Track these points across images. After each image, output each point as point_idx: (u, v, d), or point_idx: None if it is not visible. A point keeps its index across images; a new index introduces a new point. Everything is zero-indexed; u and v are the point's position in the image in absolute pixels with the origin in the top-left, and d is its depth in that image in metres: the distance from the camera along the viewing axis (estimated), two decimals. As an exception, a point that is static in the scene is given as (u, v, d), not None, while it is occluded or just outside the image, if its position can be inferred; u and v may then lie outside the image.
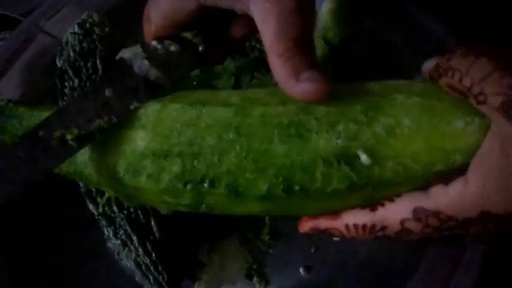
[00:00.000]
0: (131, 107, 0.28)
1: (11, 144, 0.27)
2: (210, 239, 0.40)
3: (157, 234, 0.36)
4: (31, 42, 0.39)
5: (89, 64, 0.37)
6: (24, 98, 0.38)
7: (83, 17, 0.39)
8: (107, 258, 0.37)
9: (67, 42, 0.38)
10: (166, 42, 0.30)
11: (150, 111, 0.28)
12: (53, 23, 0.39)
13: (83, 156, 0.29)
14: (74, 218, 0.38)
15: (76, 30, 0.38)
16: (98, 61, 0.37)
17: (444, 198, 0.25)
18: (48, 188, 0.37)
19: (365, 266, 0.38)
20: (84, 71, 0.37)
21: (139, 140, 0.28)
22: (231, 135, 0.26)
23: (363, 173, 0.26)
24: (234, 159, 0.26)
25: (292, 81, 0.25)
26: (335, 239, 0.29)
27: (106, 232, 0.37)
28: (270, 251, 0.40)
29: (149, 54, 0.30)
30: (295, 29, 0.25)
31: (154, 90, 0.29)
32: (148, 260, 0.35)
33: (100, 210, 0.36)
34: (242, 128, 0.26)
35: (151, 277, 0.36)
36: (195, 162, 0.27)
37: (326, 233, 0.28)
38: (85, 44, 0.37)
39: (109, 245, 0.37)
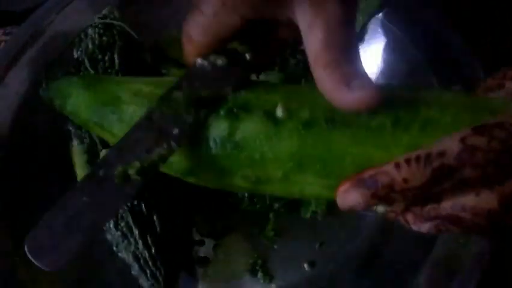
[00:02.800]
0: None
1: (73, 190, 0.26)
2: (215, 235, 0.40)
3: (158, 229, 0.36)
4: (39, 36, 0.39)
5: (106, 57, 0.37)
6: (31, 91, 0.38)
7: (104, 12, 0.39)
8: (101, 251, 0.37)
9: (86, 35, 0.38)
10: (212, 57, 0.29)
11: None
12: (62, 16, 0.40)
13: None
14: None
15: (97, 24, 0.38)
16: (116, 56, 0.37)
17: (504, 113, 0.23)
18: (52, 176, 0.38)
19: (369, 262, 0.38)
20: (101, 63, 0.37)
21: None
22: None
23: (409, 107, 0.25)
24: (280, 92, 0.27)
25: (342, 91, 0.24)
26: (378, 210, 0.26)
27: (106, 224, 0.36)
28: (275, 246, 0.40)
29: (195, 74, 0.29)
30: (342, 38, 0.25)
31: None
32: (147, 254, 0.35)
33: None
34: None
35: (148, 271, 0.36)
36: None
37: (372, 188, 0.24)
38: (104, 38, 0.38)
39: (108, 236, 0.37)
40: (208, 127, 0.27)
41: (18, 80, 0.39)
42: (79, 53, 0.38)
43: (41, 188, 0.39)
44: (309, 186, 0.27)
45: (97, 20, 0.38)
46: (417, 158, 0.23)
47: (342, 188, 0.25)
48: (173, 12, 0.45)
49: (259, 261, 0.39)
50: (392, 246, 0.37)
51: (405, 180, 0.23)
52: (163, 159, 0.26)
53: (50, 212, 0.25)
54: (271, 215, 0.40)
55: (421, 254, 0.34)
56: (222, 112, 0.27)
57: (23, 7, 0.47)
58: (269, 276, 0.39)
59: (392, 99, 0.26)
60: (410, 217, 0.26)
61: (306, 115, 0.26)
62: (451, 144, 0.23)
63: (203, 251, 0.40)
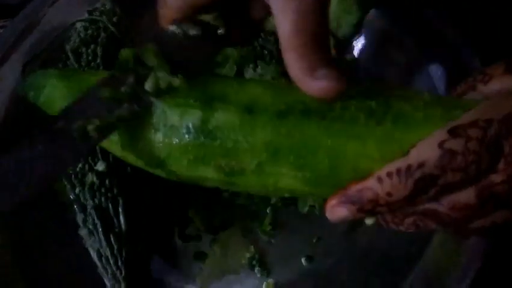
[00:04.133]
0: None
1: (29, 136, 0.25)
2: (212, 229, 0.40)
3: (123, 227, 0.35)
4: (33, 29, 0.39)
5: (89, 51, 0.37)
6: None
7: (96, 5, 0.39)
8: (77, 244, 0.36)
9: (75, 29, 0.38)
10: (185, 25, 0.28)
11: None
12: (55, 9, 0.39)
13: None
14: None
15: (86, 17, 0.38)
16: (98, 48, 0.36)
17: (476, 110, 0.24)
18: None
19: (367, 257, 0.37)
20: (84, 57, 0.37)
21: None
22: None
23: (381, 101, 0.26)
24: (254, 87, 0.27)
25: (307, 78, 0.25)
26: (367, 222, 0.27)
27: (77, 219, 0.36)
28: (272, 241, 0.39)
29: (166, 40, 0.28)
30: (313, 22, 0.25)
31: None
32: (109, 253, 0.35)
33: (73, 196, 0.36)
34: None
35: (109, 270, 0.35)
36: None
37: (357, 204, 0.25)
38: (89, 31, 0.37)
39: (80, 232, 0.36)
40: (181, 115, 0.27)
41: (12, 73, 0.39)
42: (68, 47, 0.37)
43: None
44: (284, 178, 0.27)
45: (86, 14, 0.38)
46: (398, 171, 0.23)
47: (330, 203, 0.26)
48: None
49: (257, 256, 0.39)
50: (389, 241, 0.36)
51: (388, 194, 0.23)
52: (123, 120, 0.26)
53: (3, 155, 0.25)
54: (268, 210, 0.40)
55: (418, 249, 0.34)
56: (193, 101, 0.27)
57: (18, 0, 0.47)
58: (266, 271, 0.38)
59: (366, 93, 0.26)
60: (388, 215, 0.26)
61: (281, 106, 0.26)
62: (429, 152, 0.23)
63: (200, 246, 0.40)
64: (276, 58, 0.40)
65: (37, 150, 0.25)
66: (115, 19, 0.38)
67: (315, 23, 0.25)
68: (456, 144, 0.22)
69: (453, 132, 0.23)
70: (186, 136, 0.27)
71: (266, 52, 0.39)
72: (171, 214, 0.40)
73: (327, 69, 0.25)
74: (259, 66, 0.40)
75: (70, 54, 0.36)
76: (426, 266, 0.34)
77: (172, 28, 0.28)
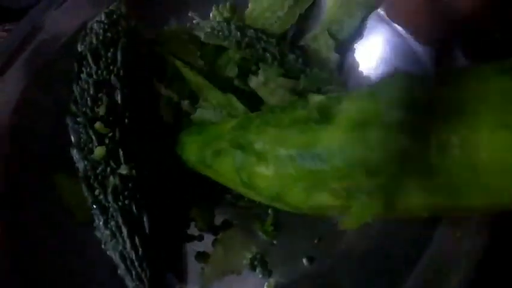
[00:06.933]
0: None
1: None
2: (214, 230, 0.41)
3: (147, 230, 0.35)
4: (39, 32, 0.39)
5: (109, 54, 0.37)
6: (30, 86, 0.38)
7: (111, 7, 0.39)
8: (93, 250, 0.37)
9: (91, 29, 0.38)
10: None
11: None
12: (61, 12, 0.40)
13: None
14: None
15: (103, 19, 0.38)
16: (119, 53, 0.36)
17: None
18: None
19: (368, 256, 0.38)
20: (103, 59, 0.37)
21: None
22: None
23: None
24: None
25: None
26: None
27: (96, 221, 0.36)
28: (274, 241, 0.40)
29: None
30: None
31: None
32: (134, 255, 0.35)
33: (92, 198, 0.36)
34: None
35: (133, 272, 0.35)
36: None
37: None
38: (108, 34, 0.37)
39: (97, 234, 0.36)
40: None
41: (17, 76, 0.39)
42: (82, 47, 0.37)
43: (40, 184, 0.39)
44: (410, 196, 0.23)
45: (103, 16, 0.38)
46: None
47: None
48: (173, 7, 0.45)
49: (258, 256, 0.39)
50: (389, 242, 0.37)
51: None
52: None
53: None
54: (270, 210, 0.40)
55: (419, 248, 0.34)
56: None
57: (25, 4, 0.47)
58: (268, 271, 0.39)
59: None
60: None
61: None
62: None
63: (202, 246, 0.40)
64: (278, 60, 0.40)
65: None
66: (132, 23, 0.39)
67: None
68: None
69: None
70: (295, 164, 0.25)
71: (268, 54, 0.40)
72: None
73: None
74: (261, 69, 0.40)
75: (88, 54, 0.36)
76: (426, 267, 0.34)
77: None
